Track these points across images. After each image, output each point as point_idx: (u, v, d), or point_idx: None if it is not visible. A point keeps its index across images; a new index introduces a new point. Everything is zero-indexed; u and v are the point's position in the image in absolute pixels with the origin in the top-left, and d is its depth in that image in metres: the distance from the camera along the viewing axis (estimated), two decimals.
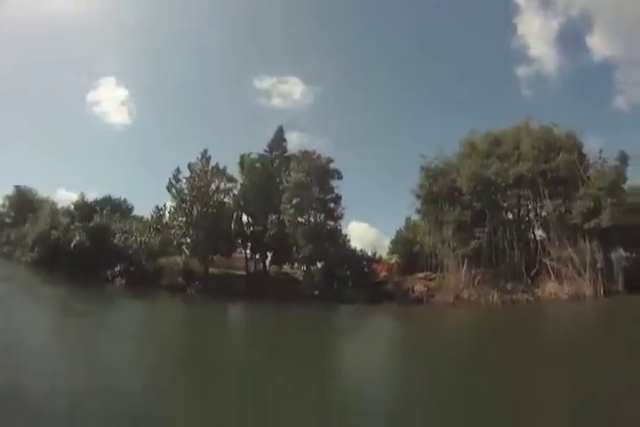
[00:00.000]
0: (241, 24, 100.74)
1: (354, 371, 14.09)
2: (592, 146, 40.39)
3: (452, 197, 38.38)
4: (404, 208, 76.66)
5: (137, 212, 55.02)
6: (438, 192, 38.57)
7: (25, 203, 60.43)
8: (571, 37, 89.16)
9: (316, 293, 37.60)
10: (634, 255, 38.67)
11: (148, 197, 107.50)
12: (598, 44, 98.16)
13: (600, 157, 38.74)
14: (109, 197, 53.00)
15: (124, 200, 54.77)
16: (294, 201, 38.79)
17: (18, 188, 64.03)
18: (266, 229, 41.17)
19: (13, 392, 9.27)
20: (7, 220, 62.49)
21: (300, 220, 38.95)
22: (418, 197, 40.65)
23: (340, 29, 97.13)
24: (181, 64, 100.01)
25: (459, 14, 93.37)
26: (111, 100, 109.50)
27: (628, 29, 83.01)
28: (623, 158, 37.85)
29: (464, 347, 18.34)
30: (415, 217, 46.46)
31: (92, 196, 51.98)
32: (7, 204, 65.17)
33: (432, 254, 39.37)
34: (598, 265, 34.75)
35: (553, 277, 35.62)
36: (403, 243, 45.98)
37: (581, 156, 38.81)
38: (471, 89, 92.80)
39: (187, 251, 43.17)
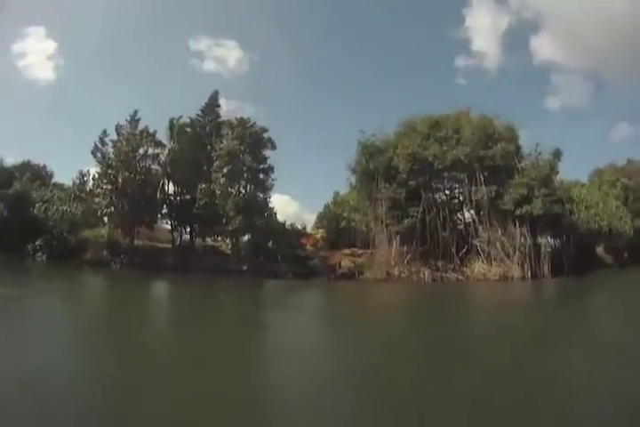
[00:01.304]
0: None
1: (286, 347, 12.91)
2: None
3: (387, 175, 38.25)
4: (326, 183, 77.17)
5: (57, 179, 51.09)
6: (375, 169, 38.32)
7: None
8: (517, 37, 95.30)
9: (245, 267, 35.94)
10: (558, 242, 40.25)
11: (70, 164, 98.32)
12: (541, 48, 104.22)
13: (536, 151, 40.92)
14: (29, 162, 48.83)
15: (44, 166, 50.78)
16: (225, 169, 36.83)
17: None
18: (194, 198, 38.82)
19: None
20: None
21: (230, 190, 36.99)
22: (353, 171, 40.51)
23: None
24: (115, 19, 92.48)
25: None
26: (37, 53, 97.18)
27: (572, 39, 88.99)
28: (557, 154, 40.66)
29: (395, 323, 17.56)
30: (343, 192, 47.05)
31: (9, 162, 48.26)
32: None
33: (360, 231, 39.19)
34: (526, 249, 36.31)
35: (482, 259, 36.62)
36: (329, 218, 45.22)
37: (517, 147, 40.30)
38: (408, 70, 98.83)
39: (111, 221, 40.22)
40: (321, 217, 47.38)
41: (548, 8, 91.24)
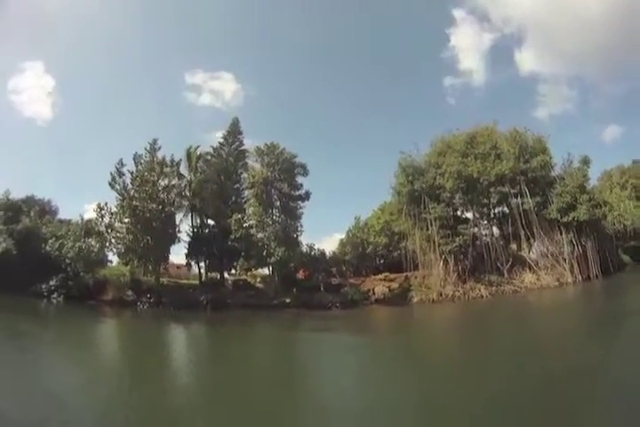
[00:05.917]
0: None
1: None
2: None
3: (432, 195, 37.31)
4: (319, 212, 74.12)
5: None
6: (420, 189, 37.27)
7: None
8: (501, 52, 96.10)
9: (287, 300, 33.40)
10: (602, 245, 39.60)
11: (68, 200, 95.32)
12: (526, 60, 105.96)
13: (568, 160, 40.86)
14: (33, 197, 43.83)
15: (49, 201, 45.67)
16: (259, 198, 34.26)
17: None
18: (223, 231, 36.04)
19: None
20: None
21: (267, 220, 34.45)
22: (398, 193, 39.26)
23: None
24: (113, 55, 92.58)
25: (395, 20, 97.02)
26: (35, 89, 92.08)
27: (553, 49, 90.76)
28: (586, 161, 40.71)
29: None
30: (364, 217, 46.21)
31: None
32: None
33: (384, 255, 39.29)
34: (574, 255, 36.45)
35: (534, 268, 36.15)
36: (354, 243, 43.44)
37: (550, 158, 39.99)
38: (404, 95, 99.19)
39: (133, 258, 36.79)
40: (343, 243, 45.57)
41: (529, 20, 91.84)
